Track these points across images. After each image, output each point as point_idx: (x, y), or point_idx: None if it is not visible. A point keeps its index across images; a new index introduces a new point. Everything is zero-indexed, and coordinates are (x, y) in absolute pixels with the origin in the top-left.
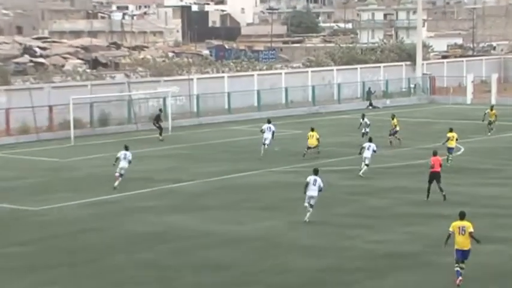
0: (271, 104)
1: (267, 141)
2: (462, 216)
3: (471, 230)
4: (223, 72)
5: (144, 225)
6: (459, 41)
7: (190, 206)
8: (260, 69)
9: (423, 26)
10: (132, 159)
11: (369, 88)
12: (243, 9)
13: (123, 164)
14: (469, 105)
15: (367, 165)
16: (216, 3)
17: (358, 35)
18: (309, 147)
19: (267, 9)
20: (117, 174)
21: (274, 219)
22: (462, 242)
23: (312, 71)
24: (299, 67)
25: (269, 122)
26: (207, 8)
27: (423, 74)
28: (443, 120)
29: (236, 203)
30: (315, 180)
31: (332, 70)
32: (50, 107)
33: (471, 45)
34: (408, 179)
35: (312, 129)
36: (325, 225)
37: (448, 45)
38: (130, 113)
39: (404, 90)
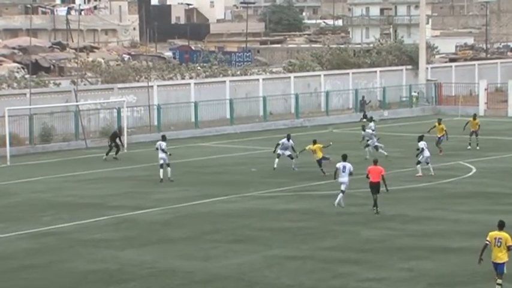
0: (247, 116)
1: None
2: (501, 226)
3: (510, 243)
4: (189, 78)
5: (93, 261)
6: (470, 41)
7: (149, 238)
8: (233, 75)
9: (427, 23)
10: (165, 148)
11: (363, 97)
12: (212, 3)
13: (160, 154)
14: (482, 117)
15: (427, 163)
16: None
17: (349, 34)
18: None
19: (241, 3)
20: (159, 166)
21: (249, 253)
22: (496, 255)
23: (295, 77)
24: (280, 72)
25: (288, 138)
26: (169, 1)
27: (427, 80)
28: (451, 136)
29: (204, 235)
30: (344, 167)
31: (319, 76)
32: None
33: (484, 46)
34: (408, 206)
35: (314, 142)
36: (311, 260)
37: (456, 46)
38: (78, 127)
39: (404, 99)
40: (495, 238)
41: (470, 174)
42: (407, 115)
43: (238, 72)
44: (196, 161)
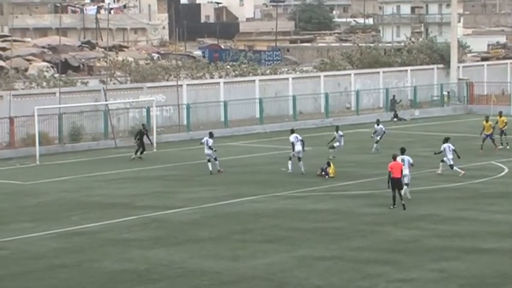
0: (276, 116)
1: (300, 155)
2: None
3: None
4: (218, 77)
5: (122, 261)
6: (502, 39)
7: (178, 238)
8: (263, 74)
9: (459, 21)
10: (212, 145)
11: (394, 96)
12: (241, 1)
13: (206, 151)
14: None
15: (451, 166)
16: None
17: (380, 33)
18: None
19: (271, 1)
20: (206, 161)
21: (278, 253)
22: None
23: (325, 76)
24: (310, 71)
25: (293, 131)
26: (198, 0)
27: (459, 79)
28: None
29: (232, 234)
30: (403, 160)
31: (349, 75)
32: (11, 119)
33: None
34: (440, 206)
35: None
36: (341, 260)
37: (488, 45)
38: (107, 126)
39: (436, 98)
40: None
41: (503, 174)
42: (439, 114)
43: (268, 71)
44: (225, 161)
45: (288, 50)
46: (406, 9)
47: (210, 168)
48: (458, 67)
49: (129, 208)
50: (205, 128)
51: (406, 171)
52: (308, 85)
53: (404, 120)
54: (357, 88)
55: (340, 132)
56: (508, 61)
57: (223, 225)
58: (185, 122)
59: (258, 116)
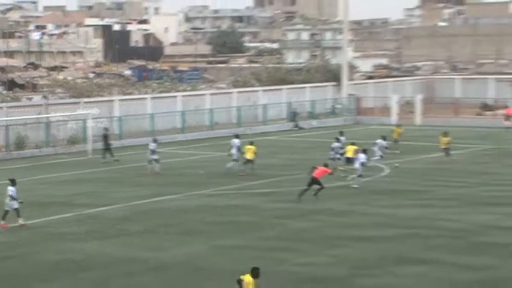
0: (196, 126)
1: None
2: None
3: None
4: (145, 93)
5: (61, 252)
6: (384, 61)
7: (110, 232)
8: (184, 90)
9: (349, 46)
10: (154, 149)
11: (295, 109)
12: (166, 28)
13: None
14: (394, 125)
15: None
16: (139, 23)
17: (284, 55)
18: (248, 161)
19: (192, 28)
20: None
21: (198, 244)
22: None
23: (237, 92)
24: (226, 87)
25: (237, 137)
26: (129, 27)
27: (349, 94)
28: (369, 141)
29: (158, 228)
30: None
31: (257, 91)
32: None
33: (396, 66)
34: (336, 201)
35: (251, 143)
36: (250, 249)
37: (373, 66)
38: (49, 136)
39: (329, 111)
40: None
41: (385, 173)
42: (332, 124)
43: (189, 88)
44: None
45: (205, 70)
46: (305, 35)
47: (151, 170)
48: (348, 84)
49: (67, 206)
50: (135, 137)
51: (357, 165)
52: (223, 100)
53: (304, 129)
54: (264, 102)
55: (338, 144)
56: (389, 79)
57: (150, 220)
58: (117, 132)
59: (180, 126)
